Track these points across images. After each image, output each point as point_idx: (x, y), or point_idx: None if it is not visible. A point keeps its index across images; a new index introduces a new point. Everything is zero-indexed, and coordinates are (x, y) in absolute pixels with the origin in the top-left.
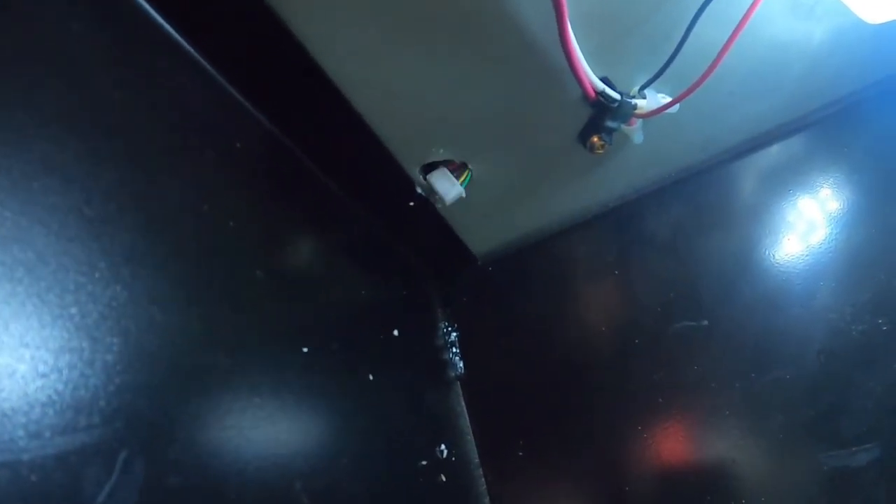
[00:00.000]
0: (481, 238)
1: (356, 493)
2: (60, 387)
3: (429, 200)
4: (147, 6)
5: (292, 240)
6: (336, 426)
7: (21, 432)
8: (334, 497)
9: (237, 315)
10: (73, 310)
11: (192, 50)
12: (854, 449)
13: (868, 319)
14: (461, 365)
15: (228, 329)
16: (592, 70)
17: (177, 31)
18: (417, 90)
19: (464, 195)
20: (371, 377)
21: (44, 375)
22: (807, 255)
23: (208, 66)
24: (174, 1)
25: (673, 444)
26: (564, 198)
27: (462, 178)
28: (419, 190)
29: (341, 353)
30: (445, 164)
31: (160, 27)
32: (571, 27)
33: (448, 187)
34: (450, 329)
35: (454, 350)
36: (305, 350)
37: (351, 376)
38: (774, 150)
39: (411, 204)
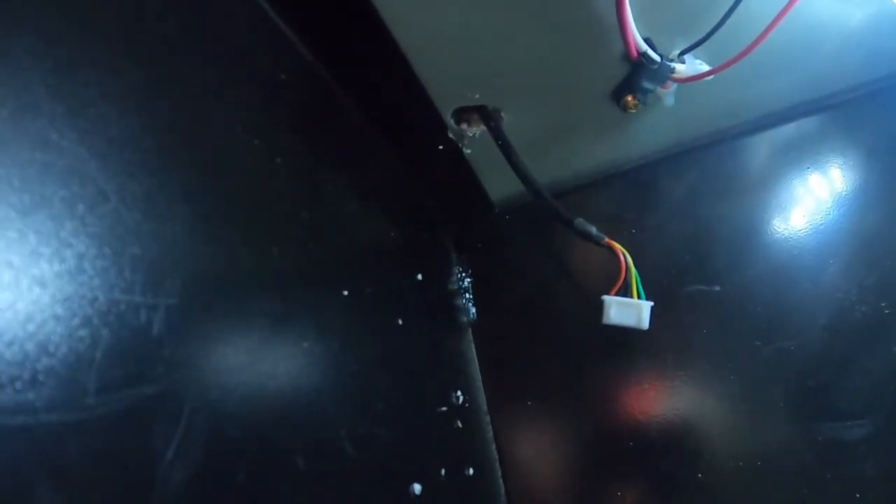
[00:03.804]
0: (502, 185)
1: (390, 441)
2: (125, 335)
3: (458, 144)
4: None
5: (331, 179)
6: (372, 371)
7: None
8: (372, 444)
9: (286, 258)
10: (136, 250)
11: None
12: (849, 423)
13: (872, 301)
14: (473, 311)
15: (279, 272)
16: (637, 29)
17: None
18: (463, 32)
19: None
20: (400, 322)
21: (105, 325)
22: (818, 233)
23: None
24: None
25: (678, 402)
26: (589, 153)
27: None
28: (450, 134)
29: (374, 297)
30: (477, 110)
31: None
32: None
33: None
34: (464, 275)
35: (467, 296)
36: (346, 293)
37: (384, 321)
38: (796, 125)
39: (440, 147)
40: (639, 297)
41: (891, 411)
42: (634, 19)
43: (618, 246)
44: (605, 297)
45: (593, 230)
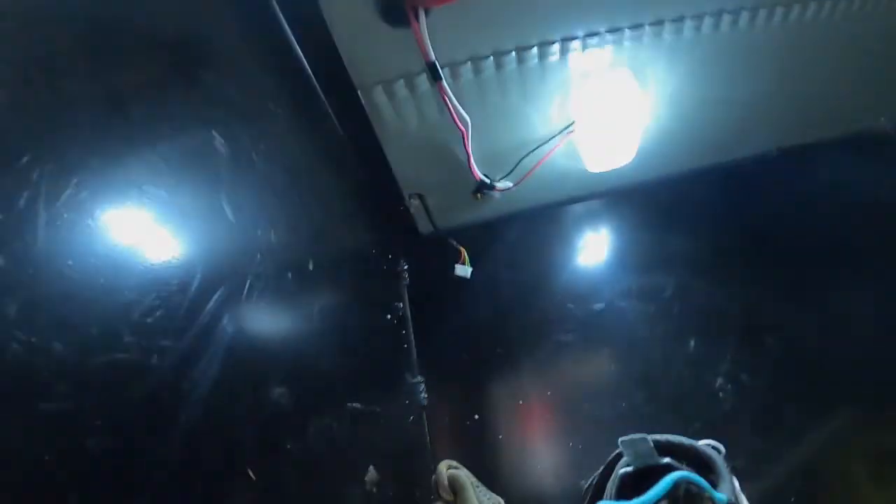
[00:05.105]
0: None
1: None
2: None
3: (409, 209)
4: None
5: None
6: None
7: None
8: None
9: None
10: None
11: None
12: None
13: None
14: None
15: None
16: (479, 170)
17: None
18: (418, 169)
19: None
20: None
21: None
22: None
23: None
24: None
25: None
26: (463, 214)
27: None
28: (406, 203)
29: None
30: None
31: None
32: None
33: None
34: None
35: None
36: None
37: None
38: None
39: (401, 208)
40: (469, 265)
41: None
42: (479, 163)
43: (462, 248)
44: (456, 266)
45: (454, 243)
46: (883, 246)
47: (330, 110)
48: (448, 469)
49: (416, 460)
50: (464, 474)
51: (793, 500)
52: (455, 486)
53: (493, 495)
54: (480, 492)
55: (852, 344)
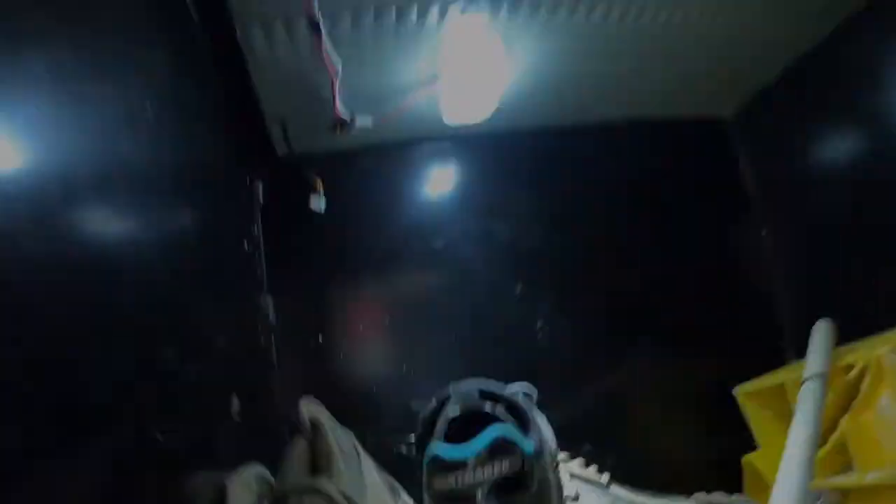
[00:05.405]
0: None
1: None
2: None
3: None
4: None
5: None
6: None
7: None
8: None
9: None
10: None
11: None
12: None
13: None
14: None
15: None
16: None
17: None
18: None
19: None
20: None
21: None
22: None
23: None
24: None
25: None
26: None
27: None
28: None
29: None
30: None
31: None
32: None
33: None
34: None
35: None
36: None
37: None
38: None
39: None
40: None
41: None
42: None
43: (318, 178)
44: (312, 196)
45: (311, 176)
46: (706, 217)
47: (198, 29)
48: (307, 407)
49: (268, 384)
50: (320, 411)
51: (595, 426)
52: (314, 423)
53: (347, 430)
54: (336, 429)
55: (669, 299)
